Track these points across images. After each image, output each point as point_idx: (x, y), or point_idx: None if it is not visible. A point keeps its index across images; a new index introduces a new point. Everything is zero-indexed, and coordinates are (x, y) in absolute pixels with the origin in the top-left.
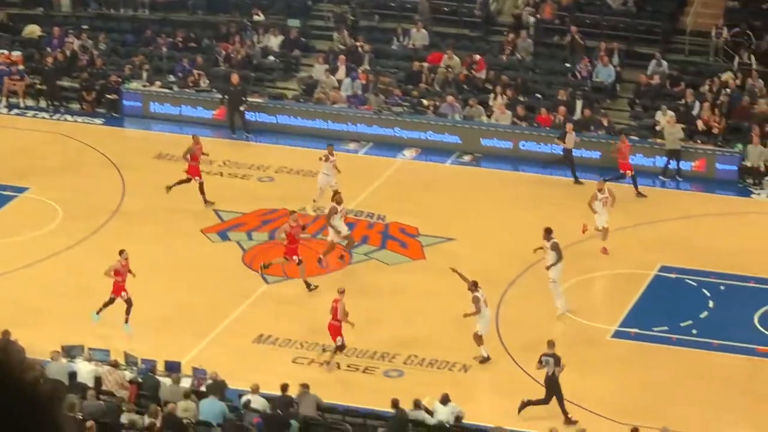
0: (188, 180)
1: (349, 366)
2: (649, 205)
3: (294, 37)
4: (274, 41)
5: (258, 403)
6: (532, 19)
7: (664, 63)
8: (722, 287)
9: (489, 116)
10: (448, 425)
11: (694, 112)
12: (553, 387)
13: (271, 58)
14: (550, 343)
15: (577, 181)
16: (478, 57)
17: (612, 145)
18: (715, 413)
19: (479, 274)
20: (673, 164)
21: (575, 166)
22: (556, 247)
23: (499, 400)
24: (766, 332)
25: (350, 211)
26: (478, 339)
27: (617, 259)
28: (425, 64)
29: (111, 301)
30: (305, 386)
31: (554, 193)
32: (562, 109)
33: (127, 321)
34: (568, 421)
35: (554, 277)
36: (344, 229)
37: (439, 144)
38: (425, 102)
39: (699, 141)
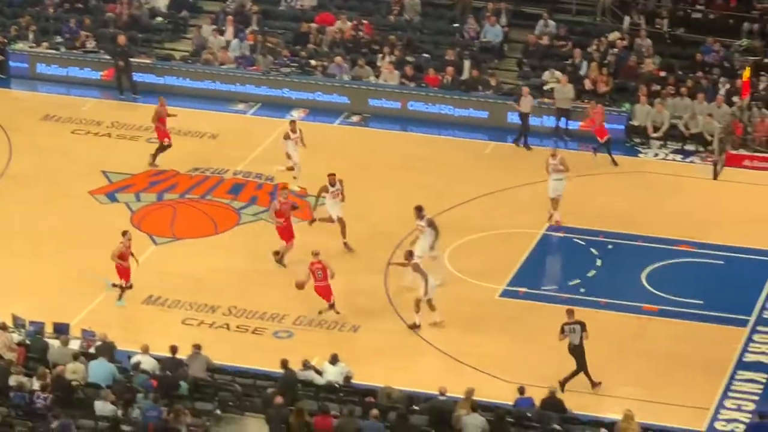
0: (166, 146)
1: (238, 327)
2: (538, 163)
3: None
4: (162, 2)
5: (147, 364)
6: None
7: (552, 23)
8: (610, 246)
9: (377, 76)
10: (337, 385)
11: (582, 72)
12: (580, 355)
13: (159, 18)
14: (570, 312)
15: (527, 148)
16: (365, 22)
17: (586, 111)
18: (603, 372)
19: (368, 234)
20: (562, 123)
21: (528, 132)
22: (432, 224)
23: (388, 360)
24: (653, 291)
25: (239, 172)
26: (418, 305)
27: (505, 218)
28: (313, 25)
29: (123, 287)
30: (197, 347)
31: (442, 153)
32: (449, 69)
33: (120, 297)
34: (595, 385)
35: (435, 253)
36: (334, 213)
37: (327, 104)
38: (313, 62)
39: (587, 101)
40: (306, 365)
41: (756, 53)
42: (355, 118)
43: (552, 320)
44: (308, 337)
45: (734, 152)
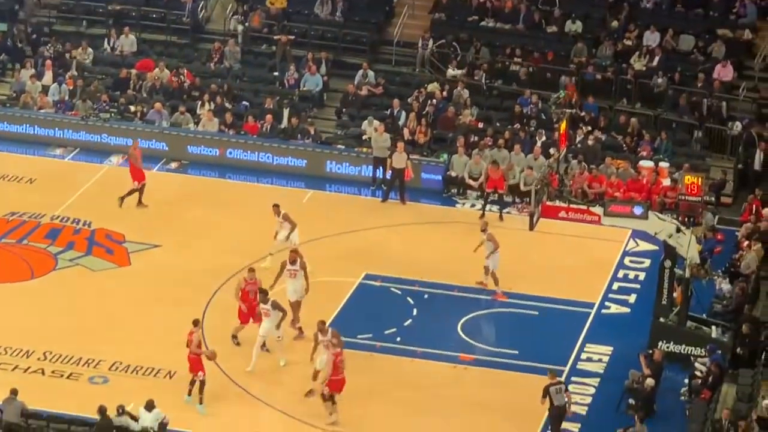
0: (140, 188)
1: (53, 372)
2: (355, 213)
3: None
4: None
5: None
6: (240, 27)
7: (371, 73)
8: (426, 296)
9: (197, 123)
10: (152, 431)
11: (401, 122)
12: (560, 417)
13: None
14: (553, 374)
15: (402, 201)
16: (185, 71)
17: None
18: (419, 420)
19: (184, 281)
20: (379, 173)
21: (405, 188)
22: (278, 306)
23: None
24: (469, 340)
25: (56, 217)
26: (317, 374)
27: (322, 267)
28: (133, 71)
29: (202, 383)
30: (13, 392)
31: (260, 201)
32: (268, 117)
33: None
34: None
35: (280, 333)
36: (291, 295)
37: (146, 151)
38: (132, 108)
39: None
40: (121, 411)
41: (572, 105)
42: (173, 165)
43: (367, 368)
44: (124, 382)
45: (550, 203)
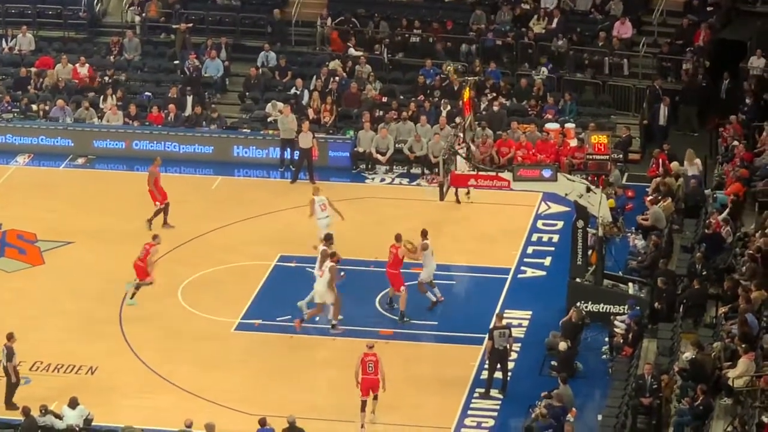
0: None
1: None
2: (266, 196)
3: None
4: None
5: None
6: (137, 18)
7: (272, 54)
8: (342, 273)
9: (101, 118)
10: (77, 429)
11: (304, 102)
12: (505, 359)
13: None
14: (500, 316)
15: (312, 181)
16: (87, 66)
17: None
18: (344, 397)
19: (101, 275)
20: (287, 154)
21: (312, 167)
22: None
23: (128, 400)
24: (388, 315)
25: None
26: None
27: (236, 251)
28: (33, 69)
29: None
30: None
31: (170, 190)
32: (172, 106)
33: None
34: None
35: None
36: None
37: (51, 148)
38: (35, 107)
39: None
40: (45, 411)
41: (475, 73)
42: (80, 161)
43: (289, 350)
44: (46, 382)
45: (459, 172)
